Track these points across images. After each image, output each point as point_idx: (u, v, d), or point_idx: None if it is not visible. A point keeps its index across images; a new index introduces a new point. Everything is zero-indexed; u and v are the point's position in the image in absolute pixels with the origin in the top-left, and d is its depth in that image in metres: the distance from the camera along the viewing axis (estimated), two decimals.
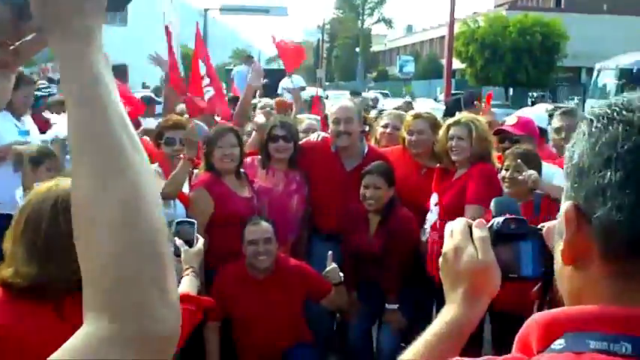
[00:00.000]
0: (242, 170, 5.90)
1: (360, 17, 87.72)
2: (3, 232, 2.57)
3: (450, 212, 5.41)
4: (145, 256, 1.02)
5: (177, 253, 3.36)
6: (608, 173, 1.09)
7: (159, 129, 6.12)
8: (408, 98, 24.43)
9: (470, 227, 1.63)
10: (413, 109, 10.61)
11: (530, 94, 46.30)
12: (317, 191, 6.06)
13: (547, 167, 5.36)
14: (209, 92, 7.53)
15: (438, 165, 5.75)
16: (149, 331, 1.00)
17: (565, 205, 1.17)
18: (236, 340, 5.42)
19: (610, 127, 1.12)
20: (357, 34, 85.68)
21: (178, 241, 3.41)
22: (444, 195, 5.53)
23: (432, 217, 5.60)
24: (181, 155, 5.63)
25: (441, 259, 1.67)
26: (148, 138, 6.24)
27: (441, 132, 5.75)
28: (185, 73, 9.05)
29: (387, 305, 5.76)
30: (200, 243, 3.48)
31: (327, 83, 78.68)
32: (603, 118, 1.14)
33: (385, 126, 6.80)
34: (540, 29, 46.21)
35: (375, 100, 24.20)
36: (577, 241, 1.15)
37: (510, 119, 6.16)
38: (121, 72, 10.76)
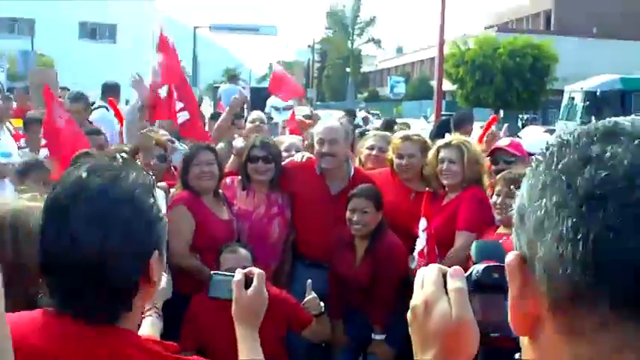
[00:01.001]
0: (220, 191, 5.61)
1: (350, 37, 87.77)
2: None
3: (439, 238, 5.17)
4: None
5: None
6: (544, 200, 0.99)
7: (136, 146, 5.84)
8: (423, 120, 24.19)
9: (444, 276, 1.34)
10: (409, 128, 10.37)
11: (520, 116, 46.28)
12: (301, 215, 5.79)
13: None
14: (182, 116, 7.21)
15: (427, 189, 5.50)
16: None
17: (507, 258, 1.05)
18: None
19: (546, 154, 1.04)
20: (348, 54, 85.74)
21: None
22: (433, 220, 5.27)
23: (420, 243, 5.33)
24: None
25: (409, 314, 1.38)
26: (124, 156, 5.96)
27: (431, 154, 5.52)
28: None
29: (373, 335, 5.47)
30: (164, 280, 3.12)
31: (317, 103, 78.66)
32: (543, 150, 1.06)
33: (371, 147, 6.53)
34: (531, 51, 46.22)
35: (366, 120, 23.94)
36: (525, 298, 1.02)
37: (503, 141, 5.91)
38: (114, 91, 10.51)
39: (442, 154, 5.40)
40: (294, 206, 5.82)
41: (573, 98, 29.04)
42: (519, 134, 34.52)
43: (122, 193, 1.85)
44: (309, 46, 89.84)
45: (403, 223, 5.53)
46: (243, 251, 4.99)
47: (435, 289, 1.33)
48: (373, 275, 5.36)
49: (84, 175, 1.86)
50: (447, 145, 5.45)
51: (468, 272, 1.35)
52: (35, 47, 38.80)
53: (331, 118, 6.53)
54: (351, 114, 16.30)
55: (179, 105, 7.21)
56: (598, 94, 27.39)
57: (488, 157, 5.67)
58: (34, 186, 5.22)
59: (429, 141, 5.95)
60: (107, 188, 1.84)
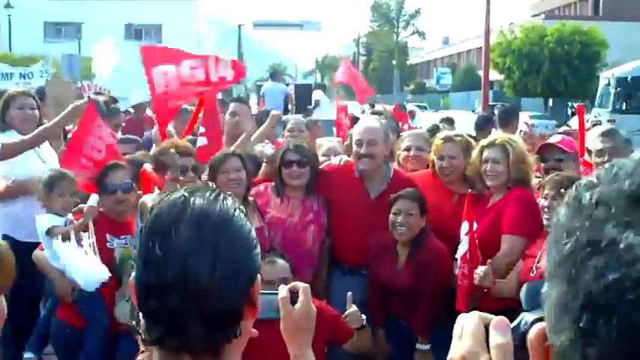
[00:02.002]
0: (250, 198, 5.44)
1: (395, 30, 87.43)
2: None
3: (484, 243, 4.92)
4: None
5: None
6: (553, 290, 0.80)
7: (156, 154, 5.70)
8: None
9: (486, 327, 1.13)
10: (453, 126, 10.10)
11: (569, 104, 45.60)
12: (339, 220, 5.58)
13: None
14: (201, 141, 6.90)
15: (470, 191, 5.25)
16: None
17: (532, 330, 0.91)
18: None
19: (578, 214, 0.82)
20: (394, 47, 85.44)
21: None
22: (478, 223, 5.01)
23: (462, 247, 5.08)
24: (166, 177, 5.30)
25: None
26: (148, 166, 5.77)
27: (474, 154, 5.27)
28: None
29: (417, 345, 5.22)
30: None
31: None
32: (573, 202, 0.83)
33: (407, 149, 6.27)
34: (579, 38, 45.47)
35: (412, 114, 23.52)
36: None
37: (554, 138, 5.64)
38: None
39: (486, 153, 5.14)
40: (331, 211, 5.62)
41: (608, 84, 28.56)
42: (569, 123, 34.06)
43: (225, 215, 1.76)
44: (354, 39, 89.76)
45: (446, 226, 5.30)
46: (281, 262, 4.79)
47: (473, 343, 1.13)
48: (416, 281, 5.13)
49: (186, 194, 1.77)
50: (491, 144, 5.19)
51: (516, 322, 1.15)
52: (82, 50, 39.14)
53: (370, 118, 6.27)
54: (402, 109, 15.87)
55: (202, 129, 6.97)
56: (629, 79, 27.13)
57: (537, 155, 5.40)
58: (60, 199, 5.16)
59: (472, 141, 5.68)
60: (210, 208, 1.75)
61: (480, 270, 4.66)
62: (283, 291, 2.31)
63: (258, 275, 1.81)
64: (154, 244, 1.72)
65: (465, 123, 19.29)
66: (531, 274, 4.40)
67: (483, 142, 5.36)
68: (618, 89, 27.38)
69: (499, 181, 5.10)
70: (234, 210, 1.79)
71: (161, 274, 1.69)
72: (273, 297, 2.34)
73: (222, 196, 1.81)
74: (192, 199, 1.76)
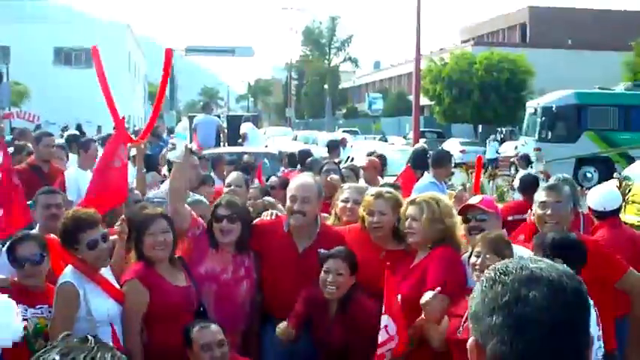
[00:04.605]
0: (176, 256, 5.41)
1: (327, 56, 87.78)
2: None
3: (410, 303, 4.94)
4: None
5: None
6: (494, 318, 1.76)
7: (69, 227, 5.08)
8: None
9: None
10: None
11: (498, 129, 46.35)
12: (268, 275, 5.66)
13: (519, 250, 4.99)
14: None
15: (386, 250, 5.41)
16: None
17: (469, 340, 1.85)
18: None
19: (492, 287, 1.80)
20: (325, 71, 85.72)
21: None
22: (403, 283, 5.09)
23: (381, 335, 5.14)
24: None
25: None
26: (54, 235, 5.40)
27: (402, 210, 5.37)
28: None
29: None
30: None
31: (296, 121, 78.55)
32: (488, 280, 1.84)
33: (345, 200, 6.34)
34: (507, 66, 46.37)
35: (344, 142, 23.34)
36: None
37: (474, 199, 5.75)
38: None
39: (408, 211, 5.26)
40: (261, 266, 5.69)
41: (534, 113, 29.33)
42: (499, 150, 34.56)
43: None
44: (286, 63, 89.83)
45: (372, 281, 5.35)
46: (213, 325, 4.87)
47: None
48: (346, 336, 5.19)
49: (57, 358, 1.75)
50: (412, 202, 5.31)
51: None
52: (10, 74, 38.47)
53: (305, 175, 6.28)
54: (334, 146, 15.40)
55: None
56: (554, 109, 27.90)
57: (459, 216, 5.50)
58: None
59: (402, 198, 5.77)
60: None
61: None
62: None
63: None
64: None
65: (399, 149, 19.25)
66: (458, 334, 4.50)
67: (409, 198, 5.48)
68: (543, 118, 28.10)
69: (416, 239, 5.17)
70: None
71: None
72: None
73: (98, 356, 1.77)
74: None
